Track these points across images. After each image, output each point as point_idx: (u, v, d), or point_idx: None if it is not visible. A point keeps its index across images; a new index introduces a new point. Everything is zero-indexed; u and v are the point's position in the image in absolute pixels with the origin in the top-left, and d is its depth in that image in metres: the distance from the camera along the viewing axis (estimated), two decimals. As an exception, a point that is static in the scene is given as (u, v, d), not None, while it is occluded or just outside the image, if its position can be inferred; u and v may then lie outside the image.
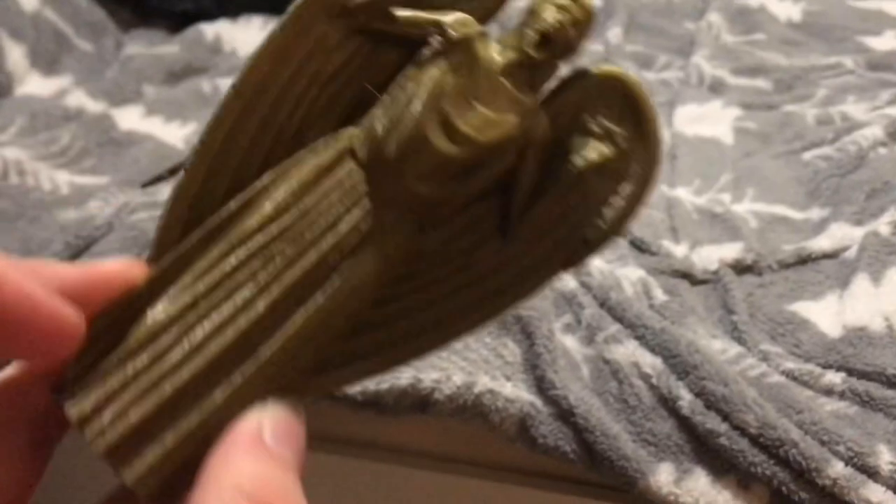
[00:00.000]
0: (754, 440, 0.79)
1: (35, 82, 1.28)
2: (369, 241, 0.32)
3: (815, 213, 1.07)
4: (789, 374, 0.85)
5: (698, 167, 1.14)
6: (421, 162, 0.31)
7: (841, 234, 1.01)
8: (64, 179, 1.07)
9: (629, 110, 0.32)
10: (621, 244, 0.99)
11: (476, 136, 0.30)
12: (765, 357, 0.86)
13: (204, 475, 0.30)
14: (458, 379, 0.83)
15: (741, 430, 0.80)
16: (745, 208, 1.07)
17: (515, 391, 0.84)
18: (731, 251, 0.98)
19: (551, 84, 0.34)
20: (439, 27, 0.32)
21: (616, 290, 0.91)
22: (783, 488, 0.79)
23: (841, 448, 0.78)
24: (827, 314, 0.92)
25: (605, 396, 0.84)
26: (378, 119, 0.32)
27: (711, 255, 0.97)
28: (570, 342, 0.88)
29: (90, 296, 0.32)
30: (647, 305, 0.90)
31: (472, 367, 0.85)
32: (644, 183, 0.33)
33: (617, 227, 0.33)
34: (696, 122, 1.23)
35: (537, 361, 0.84)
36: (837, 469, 0.77)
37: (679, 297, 0.91)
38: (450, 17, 0.32)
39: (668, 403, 0.82)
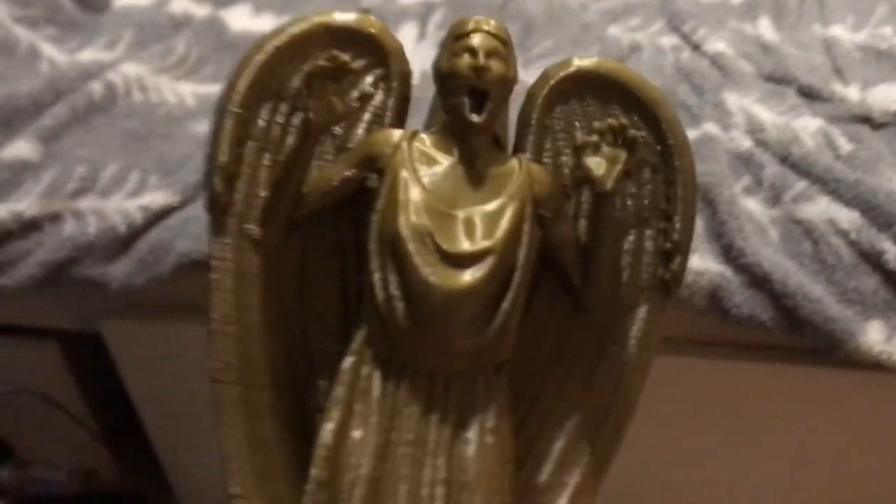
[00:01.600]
0: (971, 288, 0.74)
1: (130, -8, 1.23)
2: (467, 434, 0.26)
3: None
4: None
5: (848, 1, 1.06)
6: (451, 318, 0.24)
7: None
8: (188, 91, 1.03)
9: (612, 97, 0.26)
10: (788, 93, 0.92)
11: (484, 244, 0.25)
12: (968, 199, 0.80)
13: None
14: (642, 256, 0.79)
15: (955, 279, 0.75)
16: (910, 40, 0.99)
17: (703, 263, 0.79)
18: (907, 88, 0.91)
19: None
20: (363, 163, 0.25)
21: (796, 144, 0.85)
22: None
23: None
24: None
25: (800, 259, 0.79)
26: (371, 312, 0.25)
27: (888, 95, 0.90)
28: (754, 205, 0.83)
29: None
30: (834, 157, 0.83)
31: (655, 242, 0.80)
32: (682, 155, 0.26)
33: (691, 213, 0.27)
34: (836, -48, 1.14)
35: (722, 230, 0.79)
36: None
37: (863, 143, 0.85)
38: (366, 146, 0.25)
39: (871, 259, 0.77)
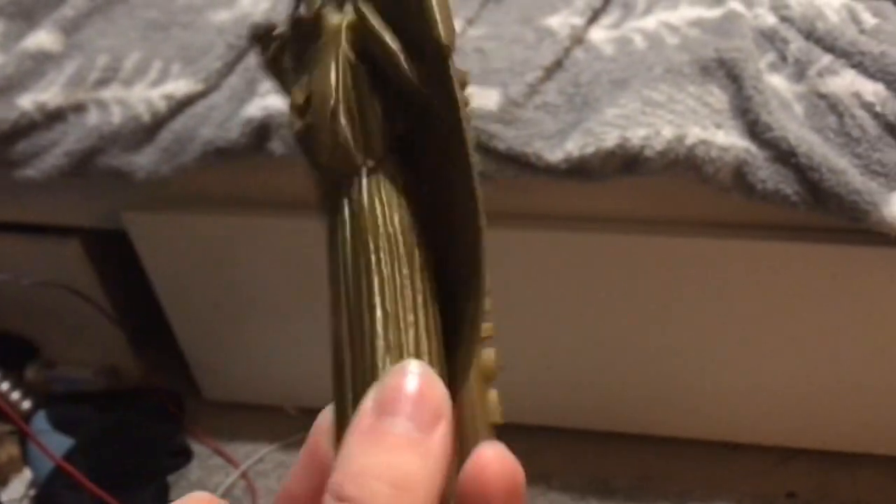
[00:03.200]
0: None
1: None
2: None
3: None
4: None
5: None
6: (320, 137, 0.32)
7: None
8: (206, -19, 1.02)
9: None
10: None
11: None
12: None
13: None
14: (667, 132, 0.79)
15: (981, 149, 0.75)
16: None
17: (729, 138, 0.80)
18: (931, -36, 0.90)
19: None
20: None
21: (820, 19, 0.84)
22: None
23: None
24: None
25: (825, 132, 0.79)
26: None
27: (912, -28, 0.90)
28: (779, 81, 0.83)
29: None
30: (858, 31, 0.83)
31: (680, 118, 0.80)
32: None
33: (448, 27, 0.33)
34: None
35: (748, 105, 0.80)
36: None
37: (887, 19, 0.85)
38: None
39: (895, 131, 0.78)
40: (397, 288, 0.32)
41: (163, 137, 0.90)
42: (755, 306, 0.93)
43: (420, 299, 0.32)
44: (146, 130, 0.91)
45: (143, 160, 0.91)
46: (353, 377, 0.31)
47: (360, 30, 0.34)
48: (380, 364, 0.30)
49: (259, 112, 0.87)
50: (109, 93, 0.92)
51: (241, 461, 1.16)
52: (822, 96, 0.80)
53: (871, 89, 0.79)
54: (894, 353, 0.93)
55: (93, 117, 0.91)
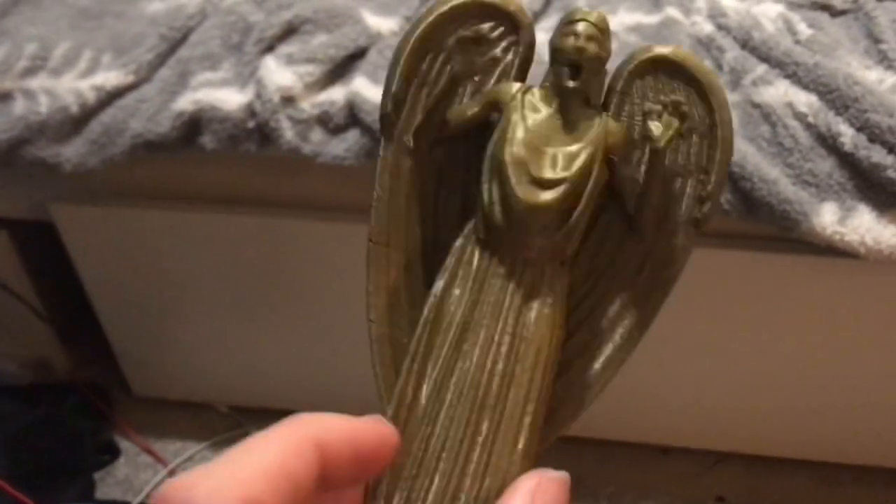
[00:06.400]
0: (923, 171, 0.75)
1: None
2: (532, 304, 0.36)
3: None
4: (952, 100, 0.80)
5: None
6: (529, 223, 0.36)
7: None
8: (141, -30, 1.00)
9: (677, 77, 0.37)
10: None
11: (561, 174, 0.35)
12: (923, 84, 0.81)
13: None
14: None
15: (909, 161, 0.76)
16: (871, -70, 0.99)
17: (663, 145, 0.80)
18: (867, -23, 0.91)
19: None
20: (489, 105, 0.38)
21: (757, 28, 0.85)
22: (954, 218, 0.76)
23: None
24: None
25: (758, 142, 0.80)
26: (479, 210, 0.37)
27: (848, -17, 0.90)
28: (713, 88, 0.83)
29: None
30: (793, 41, 0.84)
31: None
32: (725, 129, 0.36)
33: (724, 172, 0.37)
34: None
35: (683, 112, 0.80)
36: None
37: (822, 30, 0.85)
38: (493, 93, 0.38)
39: (827, 141, 0.78)
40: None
41: (91, 129, 0.88)
42: (685, 311, 0.94)
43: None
44: (74, 122, 0.88)
45: (71, 152, 0.89)
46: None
47: None
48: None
49: (190, 105, 0.85)
50: (37, 82, 0.90)
51: (170, 459, 1.15)
52: (756, 105, 0.81)
53: (805, 100, 0.79)
54: (821, 359, 0.94)
55: (19, 107, 0.89)
